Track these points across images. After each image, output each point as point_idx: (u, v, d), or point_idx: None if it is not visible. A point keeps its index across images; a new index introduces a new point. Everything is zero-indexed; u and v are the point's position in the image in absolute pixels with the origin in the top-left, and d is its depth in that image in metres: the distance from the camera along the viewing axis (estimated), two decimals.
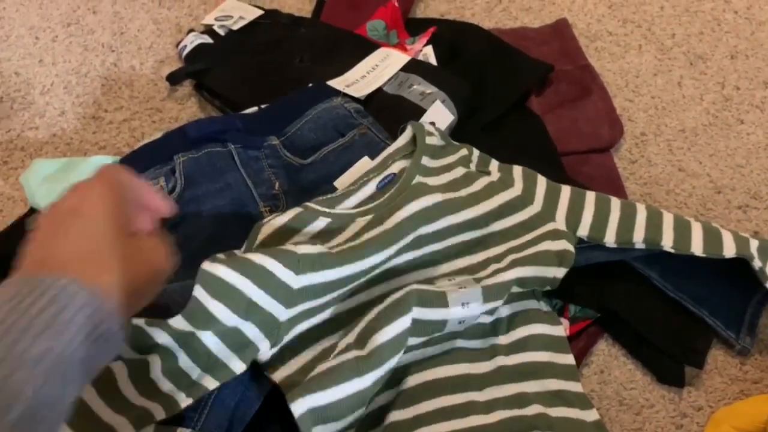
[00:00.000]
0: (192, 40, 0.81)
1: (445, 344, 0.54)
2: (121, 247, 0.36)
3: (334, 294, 0.51)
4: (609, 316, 0.61)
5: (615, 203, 0.60)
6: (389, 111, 0.68)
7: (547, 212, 0.60)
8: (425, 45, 0.79)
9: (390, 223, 0.54)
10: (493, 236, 0.59)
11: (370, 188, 0.58)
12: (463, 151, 0.63)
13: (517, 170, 0.62)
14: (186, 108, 0.79)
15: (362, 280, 0.53)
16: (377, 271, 0.54)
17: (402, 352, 0.49)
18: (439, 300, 0.50)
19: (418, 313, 0.49)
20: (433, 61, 0.77)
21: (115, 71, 0.82)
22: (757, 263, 0.56)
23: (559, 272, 0.56)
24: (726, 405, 0.58)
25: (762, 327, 0.62)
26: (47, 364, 0.30)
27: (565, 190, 0.61)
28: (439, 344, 0.54)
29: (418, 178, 0.58)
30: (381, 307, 0.50)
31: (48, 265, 0.34)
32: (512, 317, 0.56)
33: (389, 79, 0.72)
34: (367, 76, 0.72)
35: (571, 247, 0.57)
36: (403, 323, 0.48)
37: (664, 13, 0.90)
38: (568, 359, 0.55)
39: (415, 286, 0.50)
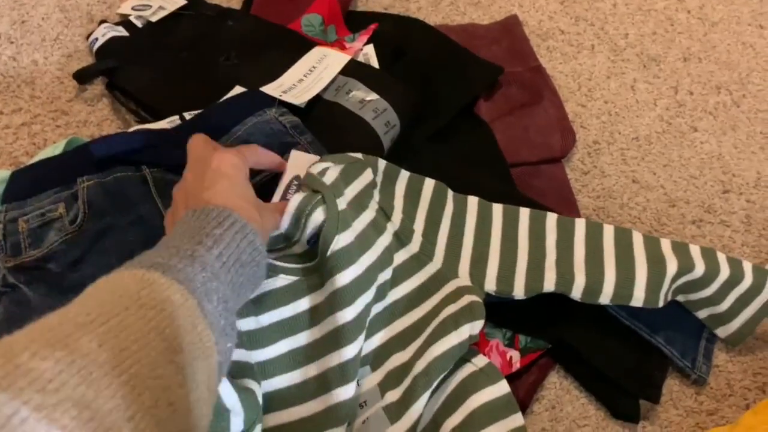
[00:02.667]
0: (104, 33, 0.72)
1: None
2: (257, 206, 0.44)
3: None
4: (560, 347, 0.57)
5: (522, 247, 0.55)
6: (323, 121, 0.61)
7: (449, 269, 0.54)
8: (366, 43, 0.72)
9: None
10: (396, 308, 0.53)
11: (301, 246, 0.51)
12: (368, 175, 0.55)
13: (422, 209, 0.57)
14: (96, 110, 0.70)
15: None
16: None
17: None
18: None
19: None
20: (374, 62, 0.70)
21: (13, 66, 0.72)
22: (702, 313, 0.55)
23: (475, 328, 0.51)
24: None
25: (716, 353, 0.60)
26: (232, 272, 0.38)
27: (468, 236, 0.56)
28: None
29: (336, 242, 0.49)
30: None
31: (213, 204, 0.41)
32: (448, 398, 0.50)
33: (329, 84, 0.65)
34: (304, 80, 0.65)
35: (477, 298, 0.52)
36: None
37: (617, 11, 0.86)
38: (517, 420, 0.50)
39: None
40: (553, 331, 0.56)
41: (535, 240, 0.55)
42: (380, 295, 0.53)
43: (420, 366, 0.49)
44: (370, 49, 0.70)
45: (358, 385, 0.50)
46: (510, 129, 0.70)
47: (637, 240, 0.55)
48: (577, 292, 0.53)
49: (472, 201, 0.58)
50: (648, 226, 0.68)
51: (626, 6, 0.87)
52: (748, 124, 0.76)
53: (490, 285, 0.53)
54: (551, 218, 0.57)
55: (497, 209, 0.58)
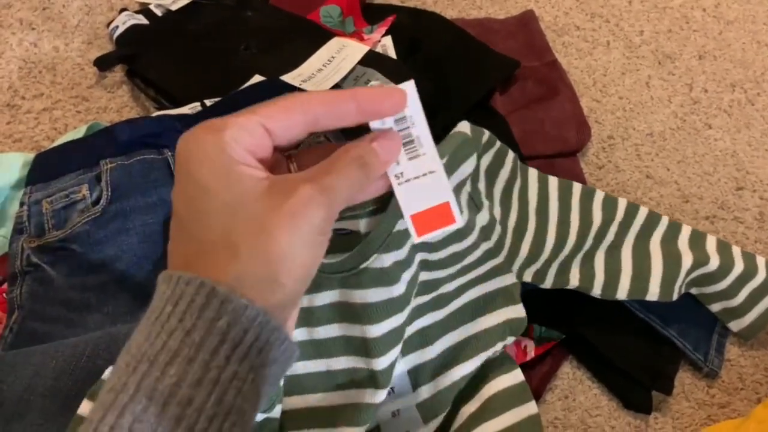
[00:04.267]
0: (125, 21, 0.73)
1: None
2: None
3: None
4: (574, 338, 0.57)
5: (572, 236, 0.56)
6: None
7: (507, 263, 0.54)
8: (384, 35, 0.72)
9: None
10: (458, 316, 0.52)
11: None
12: (472, 162, 0.50)
13: (498, 188, 0.55)
14: (116, 97, 0.70)
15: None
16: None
17: None
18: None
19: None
20: (392, 53, 0.71)
21: (35, 52, 0.73)
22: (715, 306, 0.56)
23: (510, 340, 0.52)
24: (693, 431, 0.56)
25: (728, 347, 0.60)
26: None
27: (531, 220, 0.56)
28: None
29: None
30: None
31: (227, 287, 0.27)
32: (467, 386, 0.51)
33: (348, 73, 0.66)
34: (323, 69, 0.66)
35: (521, 315, 0.53)
36: None
37: (632, 8, 0.87)
38: (531, 408, 0.50)
39: None
40: (568, 322, 0.57)
41: (583, 226, 0.56)
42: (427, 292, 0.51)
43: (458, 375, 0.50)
44: (387, 41, 0.71)
45: (392, 392, 0.49)
46: (526, 122, 0.70)
47: (658, 232, 0.56)
48: (597, 289, 0.53)
49: (533, 174, 0.58)
50: None
51: (642, 3, 0.87)
52: (762, 122, 0.77)
53: (528, 277, 0.54)
54: (598, 196, 0.59)
55: (553, 183, 0.57)
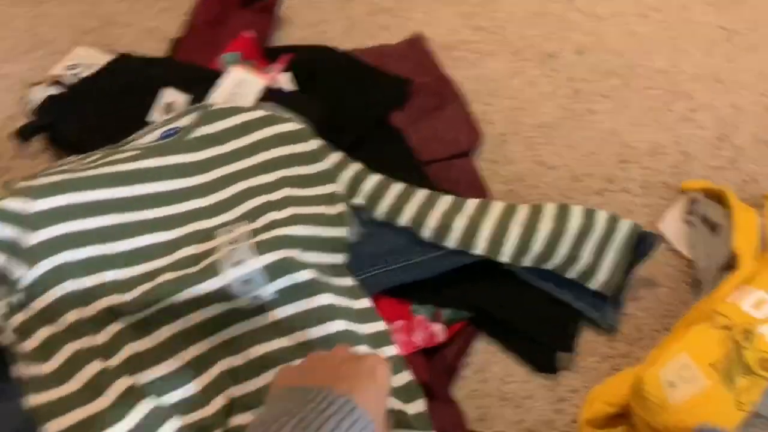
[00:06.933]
0: (41, 92, 0.78)
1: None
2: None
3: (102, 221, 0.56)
4: (482, 315, 0.62)
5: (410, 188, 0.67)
6: None
7: (333, 173, 0.64)
8: (282, 71, 0.79)
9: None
10: (277, 183, 0.62)
11: (154, 136, 0.64)
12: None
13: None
14: (39, 164, 0.75)
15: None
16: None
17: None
18: (207, 273, 0.53)
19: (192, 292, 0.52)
20: (291, 86, 0.77)
21: None
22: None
23: (341, 231, 0.61)
24: (599, 383, 0.60)
25: (625, 302, 0.65)
26: None
27: (356, 164, 0.67)
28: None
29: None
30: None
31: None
32: (292, 288, 0.55)
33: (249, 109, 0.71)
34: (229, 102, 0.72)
35: (347, 209, 0.63)
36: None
37: (514, 18, 0.95)
38: (377, 327, 0.57)
39: (171, 276, 0.54)
40: (472, 300, 0.62)
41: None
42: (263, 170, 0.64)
43: (291, 231, 0.58)
44: (284, 77, 0.77)
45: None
46: (421, 132, 0.77)
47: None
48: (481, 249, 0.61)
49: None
50: (556, 200, 0.74)
51: (523, 12, 0.95)
52: (638, 102, 0.84)
53: (362, 199, 0.65)
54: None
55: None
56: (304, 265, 0.55)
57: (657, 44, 0.91)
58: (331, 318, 0.53)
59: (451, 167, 0.75)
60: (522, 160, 0.78)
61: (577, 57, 0.90)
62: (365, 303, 0.58)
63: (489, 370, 0.61)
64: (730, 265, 0.62)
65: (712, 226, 0.67)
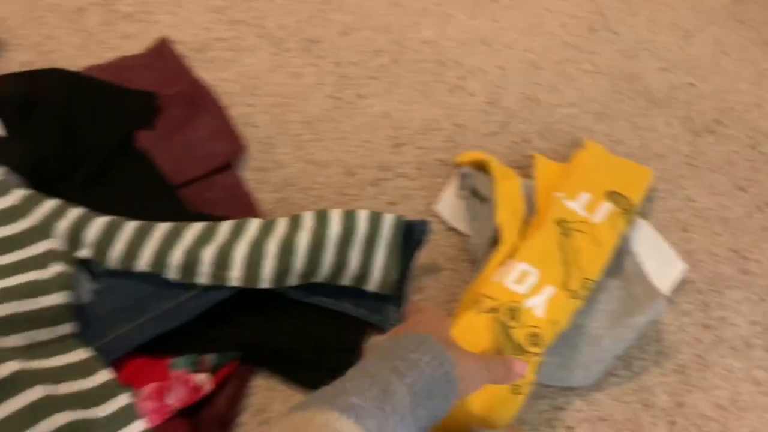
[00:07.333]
0: None
1: None
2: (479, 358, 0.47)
3: None
4: (254, 350, 0.56)
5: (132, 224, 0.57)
6: None
7: (44, 227, 0.55)
8: None
9: None
10: None
11: None
12: None
13: None
14: None
15: None
16: None
17: None
18: None
19: None
20: None
21: None
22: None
23: (61, 297, 0.52)
24: None
25: (410, 291, 0.62)
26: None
27: (76, 209, 0.57)
28: None
29: None
30: None
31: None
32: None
33: None
34: None
35: (67, 267, 0.53)
36: None
37: (273, 6, 0.88)
38: (116, 404, 0.49)
39: None
40: (238, 337, 0.56)
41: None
42: None
43: None
44: None
45: None
46: (171, 150, 0.68)
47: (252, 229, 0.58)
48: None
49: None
50: (331, 201, 0.69)
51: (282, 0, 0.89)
52: (408, 78, 0.81)
53: (87, 251, 0.55)
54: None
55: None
56: (2, 357, 0.45)
57: (422, 13, 0.88)
58: (48, 414, 0.44)
59: (214, 184, 0.68)
60: (292, 163, 0.72)
61: (342, 39, 0.85)
62: (102, 377, 0.50)
63: (270, 409, 0.55)
64: (496, 239, 0.60)
65: (482, 200, 0.65)
